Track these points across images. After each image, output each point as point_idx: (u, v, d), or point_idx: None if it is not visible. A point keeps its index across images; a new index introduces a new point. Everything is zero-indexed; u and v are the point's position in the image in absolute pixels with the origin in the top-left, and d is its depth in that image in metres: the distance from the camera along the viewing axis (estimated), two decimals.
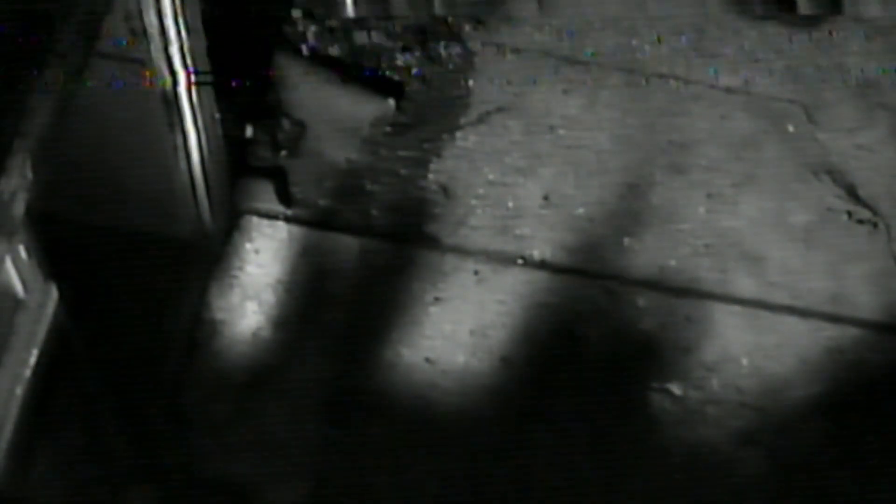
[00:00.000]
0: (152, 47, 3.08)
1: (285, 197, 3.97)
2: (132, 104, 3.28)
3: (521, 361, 3.84)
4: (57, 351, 2.71)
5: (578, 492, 3.67)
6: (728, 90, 4.37)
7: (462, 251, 3.97)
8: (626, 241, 4.07)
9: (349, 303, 3.84)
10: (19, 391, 2.60)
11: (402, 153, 4.09)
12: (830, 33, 4.48)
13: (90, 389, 3.02)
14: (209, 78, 3.29)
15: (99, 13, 2.62)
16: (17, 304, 2.58)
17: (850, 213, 4.18)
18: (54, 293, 2.67)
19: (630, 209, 4.12)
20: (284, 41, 4.23)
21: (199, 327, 3.76)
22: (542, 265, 3.99)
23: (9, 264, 2.47)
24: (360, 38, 4.32)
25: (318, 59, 4.21)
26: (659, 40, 4.39)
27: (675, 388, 3.84)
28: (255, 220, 3.94)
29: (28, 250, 2.50)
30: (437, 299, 3.86)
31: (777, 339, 3.96)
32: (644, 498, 3.69)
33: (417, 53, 4.28)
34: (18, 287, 2.56)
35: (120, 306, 3.62)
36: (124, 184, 3.58)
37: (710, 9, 4.52)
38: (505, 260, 3.98)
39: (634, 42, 4.40)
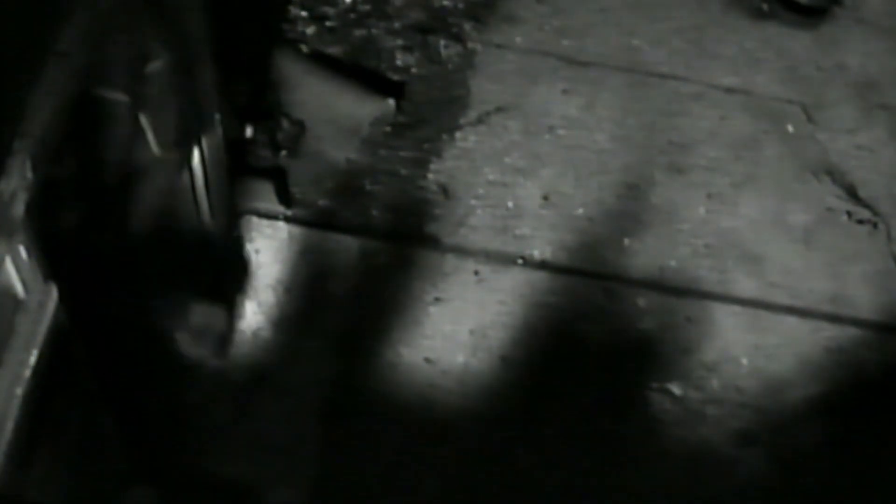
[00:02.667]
0: None
1: (285, 197, 3.97)
2: None
3: (520, 361, 3.84)
4: (57, 351, 2.70)
5: (578, 492, 3.67)
6: (728, 90, 4.37)
7: (462, 251, 3.97)
8: (626, 241, 4.07)
9: (349, 303, 3.84)
10: (19, 391, 2.59)
11: (402, 153, 4.09)
12: (831, 33, 4.49)
13: (90, 389, 3.02)
14: None
15: (99, 12, 2.61)
16: (17, 304, 2.57)
17: (849, 213, 4.19)
18: (54, 293, 2.66)
19: (630, 209, 4.12)
20: (284, 41, 4.23)
21: None
22: (542, 265, 3.99)
23: (9, 264, 2.47)
24: (360, 37, 4.31)
25: (318, 59, 4.21)
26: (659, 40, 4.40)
27: (675, 388, 3.85)
28: (255, 220, 3.94)
29: (28, 250, 2.50)
30: (437, 299, 3.86)
31: (777, 340, 3.96)
32: (644, 498, 3.69)
33: (417, 53, 4.29)
34: (18, 287, 2.56)
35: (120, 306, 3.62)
36: None
37: (710, 9, 4.52)
38: (505, 260, 3.98)
39: (634, 42, 4.41)
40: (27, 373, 2.60)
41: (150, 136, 2.93)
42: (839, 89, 4.41)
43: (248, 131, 4.03)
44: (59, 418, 2.86)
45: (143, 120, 2.88)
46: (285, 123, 4.06)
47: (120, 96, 2.79)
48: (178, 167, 3.07)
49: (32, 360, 2.61)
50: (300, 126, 4.07)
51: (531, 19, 4.43)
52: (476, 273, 3.95)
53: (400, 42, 4.32)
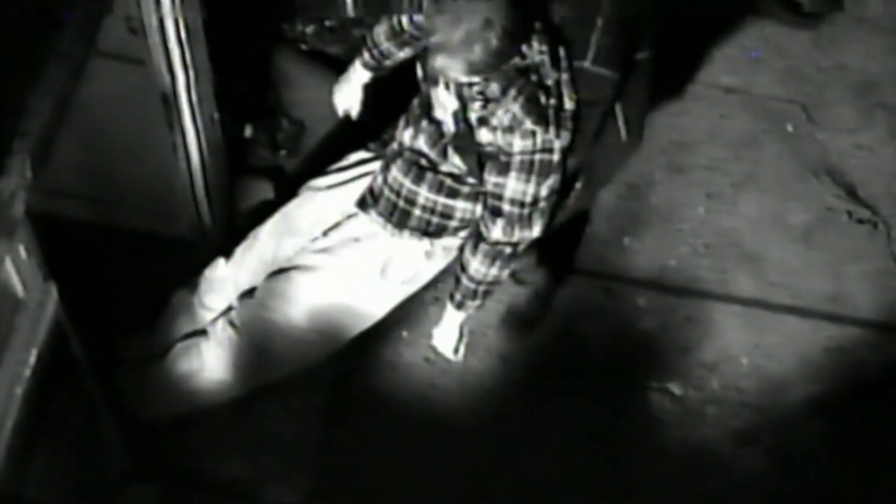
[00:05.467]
0: (152, 46, 3.08)
1: (285, 197, 3.96)
2: (132, 104, 3.28)
3: (520, 361, 3.84)
4: (57, 351, 2.70)
5: (578, 491, 3.67)
6: (728, 90, 4.37)
7: None
8: (626, 240, 4.07)
9: None
10: (19, 391, 2.59)
11: None
12: (831, 33, 4.49)
13: (90, 389, 3.02)
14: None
15: (99, 12, 2.62)
16: (16, 303, 2.58)
17: (849, 213, 4.18)
18: (54, 293, 2.66)
19: (630, 209, 4.12)
20: (284, 41, 4.23)
21: None
22: None
23: (9, 264, 2.47)
24: (360, 36, 4.31)
25: (318, 59, 4.21)
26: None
27: (675, 388, 3.85)
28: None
29: (28, 250, 2.50)
30: (436, 299, 3.85)
31: (777, 339, 3.96)
32: (643, 497, 3.69)
33: None
34: (18, 287, 2.56)
35: (120, 306, 3.62)
36: (124, 184, 3.58)
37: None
38: None
39: None
40: (27, 372, 2.60)
41: (620, 120, 3.12)
42: (839, 89, 4.41)
43: (248, 131, 4.03)
44: (59, 418, 2.86)
45: (619, 104, 3.10)
46: (285, 123, 4.05)
47: (611, 73, 2.99)
48: (628, 157, 3.30)
49: (32, 359, 2.61)
50: (300, 126, 4.06)
51: None
52: None
53: None
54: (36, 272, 2.56)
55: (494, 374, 3.80)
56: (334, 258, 3.34)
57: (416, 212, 3.24)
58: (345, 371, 3.72)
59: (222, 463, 3.54)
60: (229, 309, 3.50)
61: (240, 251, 3.52)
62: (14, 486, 2.65)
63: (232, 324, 3.45)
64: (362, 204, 3.33)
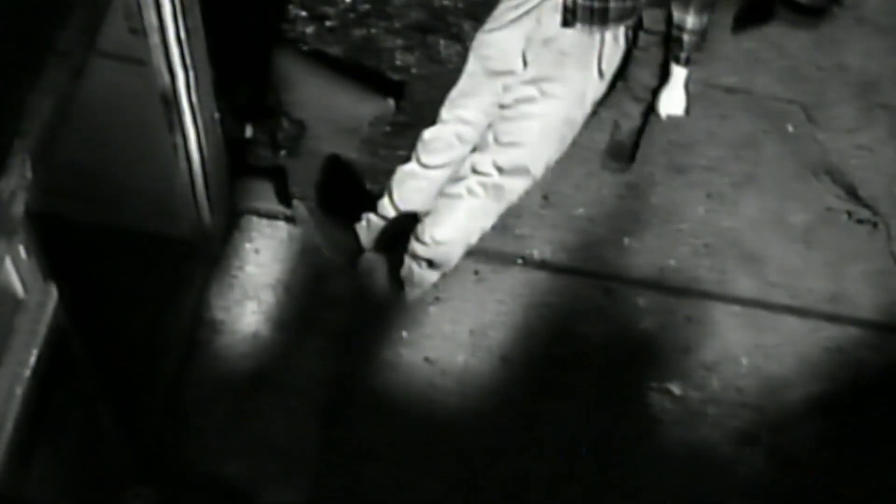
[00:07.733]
0: (152, 46, 3.08)
1: (285, 197, 3.97)
2: (132, 104, 3.28)
3: (520, 361, 3.84)
4: (57, 351, 2.70)
5: (578, 492, 3.68)
6: (728, 90, 4.37)
7: None
8: (626, 240, 4.08)
9: (349, 303, 3.84)
10: (19, 391, 2.59)
11: (401, 153, 4.07)
12: (831, 33, 4.49)
13: (90, 389, 3.02)
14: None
15: (99, 12, 2.62)
16: (17, 304, 2.58)
17: (849, 213, 4.19)
18: (54, 293, 2.66)
19: (630, 209, 4.13)
20: (284, 41, 4.23)
21: (199, 327, 3.76)
22: (541, 265, 3.99)
23: (9, 264, 2.47)
24: (360, 37, 4.32)
25: (318, 59, 4.22)
26: None
27: (675, 388, 3.85)
28: (254, 220, 3.94)
29: (28, 250, 2.50)
30: (437, 299, 3.86)
31: (777, 339, 3.96)
32: (644, 498, 3.69)
33: (417, 53, 4.29)
34: (18, 287, 2.56)
35: (120, 306, 3.62)
36: (124, 184, 3.58)
37: None
38: (505, 259, 3.98)
39: None
40: (27, 373, 2.61)
41: None
42: (839, 89, 4.41)
43: (248, 131, 4.03)
44: (59, 418, 2.86)
45: None
46: (285, 123, 4.06)
47: None
48: None
49: (32, 360, 2.61)
50: (300, 126, 4.07)
51: None
52: (476, 273, 3.95)
53: (400, 42, 4.32)
54: (36, 272, 2.56)
55: (494, 374, 3.80)
56: (555, 81, 3.63)
57: (612, 3, 3.56)
58: (345, 371, 3.73)
59: (222, 463, 3.54)
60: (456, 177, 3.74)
61: (446, 107, 3.79)
62: (14, 486, 2.65)
63: (476, 170, 3.69)
64: (565, 23, 3.61)
